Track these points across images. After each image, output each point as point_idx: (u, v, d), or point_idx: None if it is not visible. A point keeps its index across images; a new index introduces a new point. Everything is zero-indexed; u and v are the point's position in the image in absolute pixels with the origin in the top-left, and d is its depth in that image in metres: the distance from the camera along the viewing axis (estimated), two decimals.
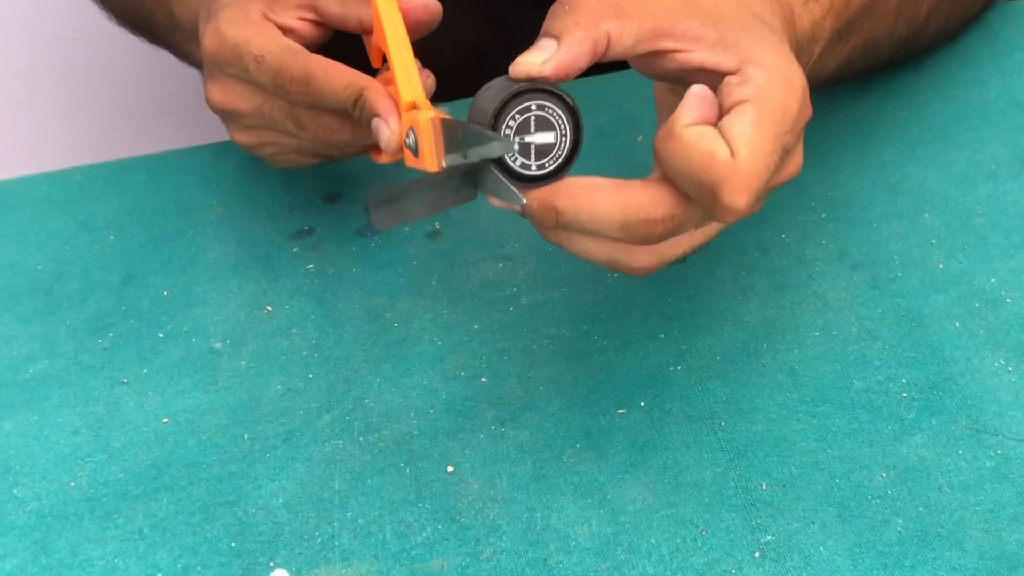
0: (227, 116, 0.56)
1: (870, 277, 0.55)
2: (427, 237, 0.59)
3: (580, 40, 0.44)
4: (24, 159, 0.63)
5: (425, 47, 0.78)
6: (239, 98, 0.54)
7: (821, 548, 0.46)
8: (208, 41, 0.54)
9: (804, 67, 0.50)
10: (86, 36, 0.87)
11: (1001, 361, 0.51)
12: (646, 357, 0.53)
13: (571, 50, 0.44)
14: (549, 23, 0.45)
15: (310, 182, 0.63)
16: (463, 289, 0.57)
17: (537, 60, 0.44)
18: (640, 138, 0.64)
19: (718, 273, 0.56)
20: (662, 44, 0.45)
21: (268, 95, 0.54)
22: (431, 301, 0.56)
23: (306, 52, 0.52)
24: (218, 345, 0.55)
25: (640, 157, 0.63)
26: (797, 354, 0.52)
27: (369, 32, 0.54)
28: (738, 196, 0.42)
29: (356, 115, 0.51)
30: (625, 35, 0.45)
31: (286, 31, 0.55)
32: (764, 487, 0.48)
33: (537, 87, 0.43)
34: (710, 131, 0.43)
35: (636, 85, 0.67)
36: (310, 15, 0.55)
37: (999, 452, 0.48)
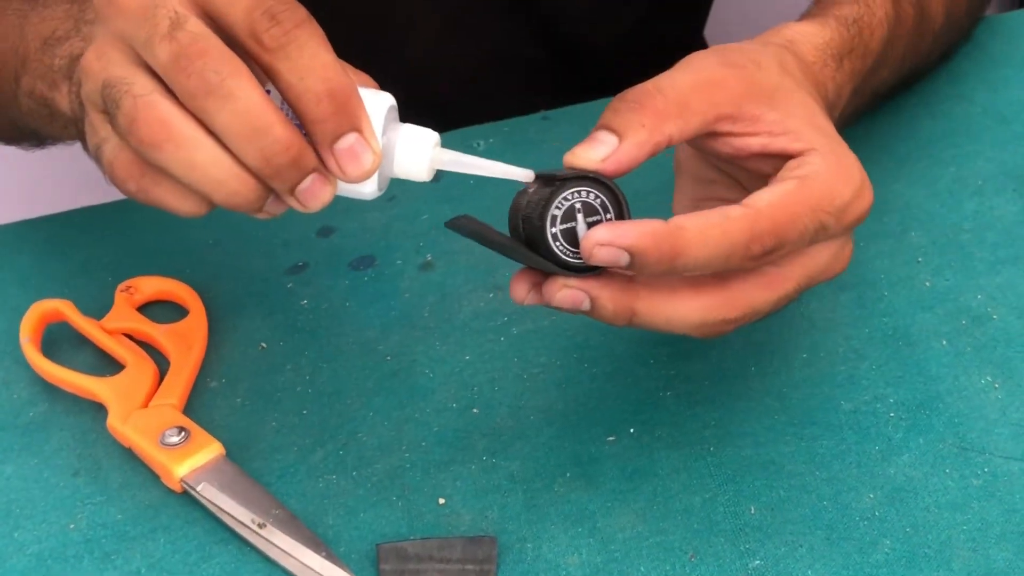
0: (86, 75, 0.43)
1: (857, 297, 0.56)
2: (419, 269, 0.60)
3: (642, 142, 0.44)
4: (25, 202, 0.64)
5: (417, 77, 0.79)
6: (109, 62, 0.42)
7: (809, 572, 0.46)
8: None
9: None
10: None
11: (988, 378, 0.52)
12: (635, 384, 0.53)
13: (631, 152, 0.44)
14: (611, 117, 0.44)
15: (303, 217, 0.64)
16: (454, 320, 0.57)
17: (596, 156, 0.43)
18: None
19: None
20: (721, 127, 0.45)
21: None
22: (423, 333, 0.57)
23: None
24: (214, 384, 0.56)
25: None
26: (785, 377, 0.53)
27: None
28: (748, 236, 0.42)
29: (264, 163, 0.41)
30: (688, 131, 0.45)
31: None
32: (753, 511, 0.48)
33: (586, 175, 0.43)
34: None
35: None
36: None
37: (986, 470, 0.48)
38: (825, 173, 0.44)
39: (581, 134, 0.66)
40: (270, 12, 0.40)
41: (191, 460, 0.50)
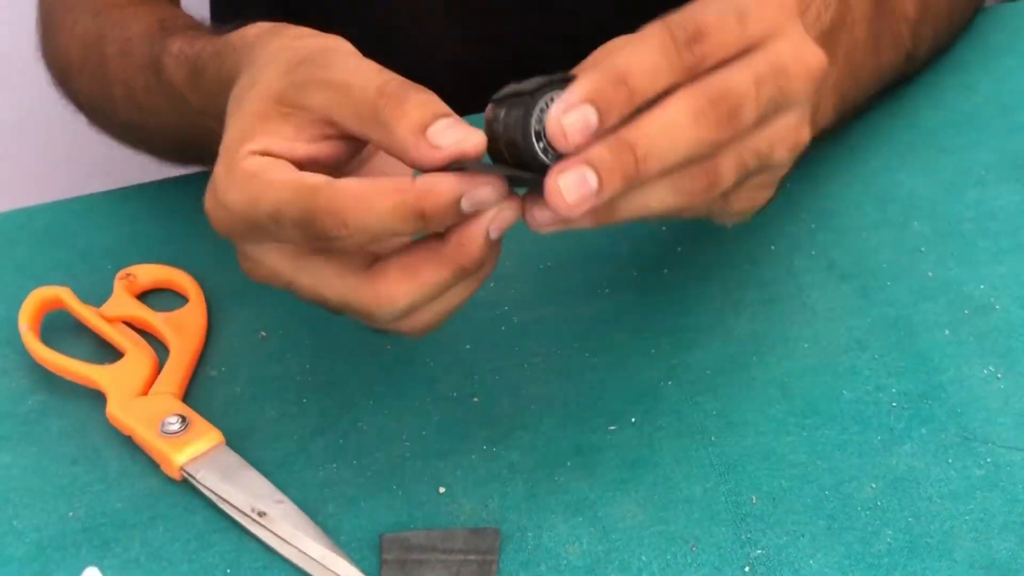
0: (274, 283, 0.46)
1: (859, 287, 0.55)
2: None
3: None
4: (24, 190, 0.63)
5: (428, 74, 0.78)
6: (278, 267, 0.45)
7: (811, 561, 0.46)
8: (213, 212, 0.45)
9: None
10: None
11: (990, 368, 0.51)
12: (637, 373, 0.53)
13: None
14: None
15: None
16: None
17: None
18: None
19: (708, 287, 0.57)
20: None
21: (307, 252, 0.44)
22: None
23: (331, 183, 0.42)
24: (213, 372, 0.55)
25: None
26: (787, 366, 0.53)
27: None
28: None
29: (419, 229, 0.42)
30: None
31: (304, 164, 0.44)
32: (754, 501, 0.48)
33: (552, 79, 0.42)
34: None
35: None
36: (330, 130, 0.44)
37: (989, 460, 0.48)
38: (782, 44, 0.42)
39: None
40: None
41: (191, 448, 0.50)
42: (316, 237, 0.42)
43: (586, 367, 0.54)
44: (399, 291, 0.43)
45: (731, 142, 0.42)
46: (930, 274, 0.56)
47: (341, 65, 0.44)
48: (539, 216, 0.42)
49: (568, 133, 0.40)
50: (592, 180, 0.40)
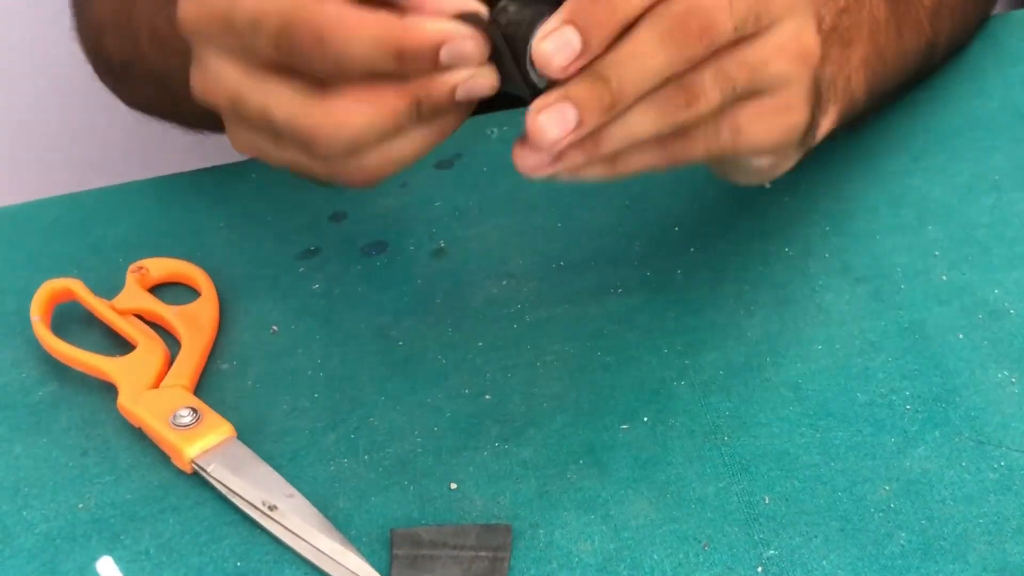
0: (218, 108, 0.45)
1: (873, 290, 0.55)
2: (432, 255, 0.60)
3: None
4: (36, 183, 0.63)
5: None
6: (231, 80, 0.43)
7: (824, 562, 0.45)
8: (188, 6, 0.44)
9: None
10: None
11: (1005, 372, 0.51)
12: (649, 372, 0.53)
13: None
14: None
15: (316, 202, 0.64)
16: (467, 307, 0.57)
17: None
18: None
19: (721, 287, 0.56)
20: None
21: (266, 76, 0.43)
22: (435, 319, 0.57)
23: (318, 1, 0.41)
24: (225, 366, 0.55)
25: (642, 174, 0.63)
26: (800, 368, 0.53)
27: None
28: None
29: (393, 68, 0.41)
30: None
31: None
32: (767, 501, 0.48)
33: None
34: None
35: None
36: None
37: (1003, 464, 0.48)
38: None
39: None
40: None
41: (202, 441, 0.50)
42: (288, 52, 0.41)
43: (598, 366, 0.54)
44: (353, 115, 0.41)
45: (708, 57, 0.42)
46: (944, 278, 0.55)
47: None
48: (526, 158, 0.42)
49: (553, 60, 0.40)
50: (571, 115, 0.40)
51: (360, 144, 0.42)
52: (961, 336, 0.53)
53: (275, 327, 0.57)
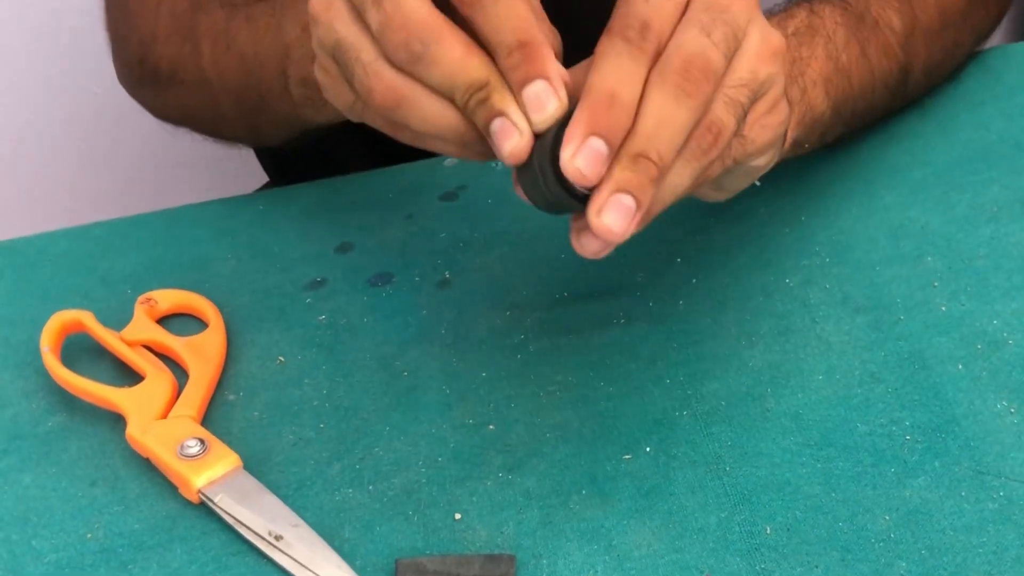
0: (315, 21, 0.46)
1: (873, 320, 0.56)
2: (436, 286, 0.60)
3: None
4: (45, 215, 0.64)
5: None
6: (336, 16, 0.45)
7: None
8: None
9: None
10: (110, 92, 0.89)
11: (1004, 403, 0.52)
12: (652, 402, 0.54)
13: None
14: None
15: (322, 234, 0.64)
16: (471, 337, 0.58)
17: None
18: None
19: (723, 318, 0.57)
20: None
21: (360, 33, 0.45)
22: (440, 349, 0.57)
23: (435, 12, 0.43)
24: (232, 397, 0.56)
25: None
26: (801, 398, 0.53)
27: None
28: None
29: (466, 110, 0.44)
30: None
31: None
32: (768, 531, 0.48)
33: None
34: None
35: None
36: None
37: (1002, 494, 0.48)
38: None
39: None
40: None
41: (209, 471, 0.51)
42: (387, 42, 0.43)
43: (601, 396, 0.54)
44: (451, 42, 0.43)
45: (716, 92, 0.44)
46: (943, 309, 0.56)
47: None
48: (590, 245, 0.44)
49: (586, 172, 0.42)
50: (629, 202, 0.42)
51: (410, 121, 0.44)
52: (960, 367, 0.53)
53: (282, 358, 0.58)
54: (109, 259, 0.64)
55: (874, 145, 0.64)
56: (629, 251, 0.61)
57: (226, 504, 0.50)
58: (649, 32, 0.43)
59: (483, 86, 0.43)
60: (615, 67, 0.42)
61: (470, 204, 0.65)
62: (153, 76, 0.67)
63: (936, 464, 0.50)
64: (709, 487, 0.50)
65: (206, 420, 0.54)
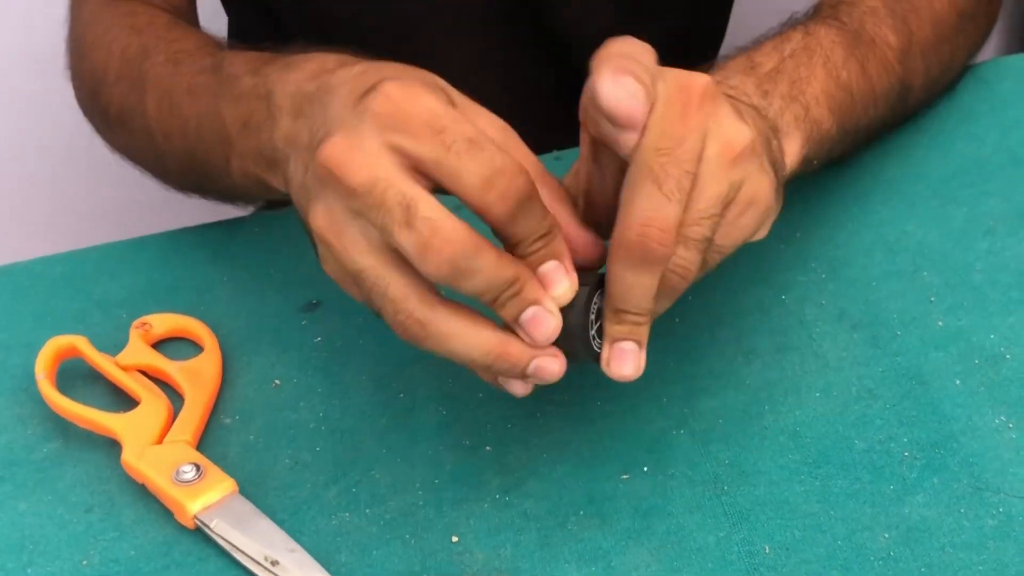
0: (326, 246, 0.46)
1: (870, 336, 0.56)
2: None
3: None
4: (40, 239, 0.64)
5: None
6: (352, 245, 0.45)
7: None
8: (396, 93, 0.44)
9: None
10: None
11: (1002, 418, 0.51)
12: (649, 421, 0.53)
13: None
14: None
15: (316, 256, 0.64)
16: None
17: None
18: None
19: (720, 335, 0.57)
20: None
21: (389, 263, 0.44)
22: (436, 370, 0.57)
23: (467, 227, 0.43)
24: (228, 420, 0.56)
25: None
26: (799, 415, 0.53)
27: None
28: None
29: (497, 305, 0.45)
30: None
31: None
32: (767, 551, 0.48)
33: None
34: None
35: None
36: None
37: (1001, 510, 0.48)
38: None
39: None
40: (498, 191, 0.43)
41: (204, 497, 0.51)
42: (498, 198, 0.43)
43: (598, 415, 0.54)
44: (449, 332, 0.45)
45: (677, 237, 0.46)
46: (940, 324, 0.56)
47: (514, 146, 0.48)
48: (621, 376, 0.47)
49: (619, 364, 0.47)
50: (630, 347, 0.47)
51: (439, 350, 0.45)
52: (958, 382, 0.53)
53: (277, 381, 0.58)
54: (104, 283, 0.64)
55: (869, 160, 0.64)
56: None
57: (222, 529, 0.49)
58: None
59: (515, 282, 0.44)
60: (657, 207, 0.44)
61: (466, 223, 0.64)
62: (103, 115, 0.67)
63: (935, 481, 0.50)
64: (707, 506, 0.50)
65: (202, 444, 0.54)
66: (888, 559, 0.47)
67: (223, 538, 0.49)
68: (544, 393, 0.55)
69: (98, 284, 0.64)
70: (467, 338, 0.45)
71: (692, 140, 0.44)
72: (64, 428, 0.56)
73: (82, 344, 0.58)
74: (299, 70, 0.51)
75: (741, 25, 0.98)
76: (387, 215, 0.43)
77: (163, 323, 0.60)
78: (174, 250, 0.66)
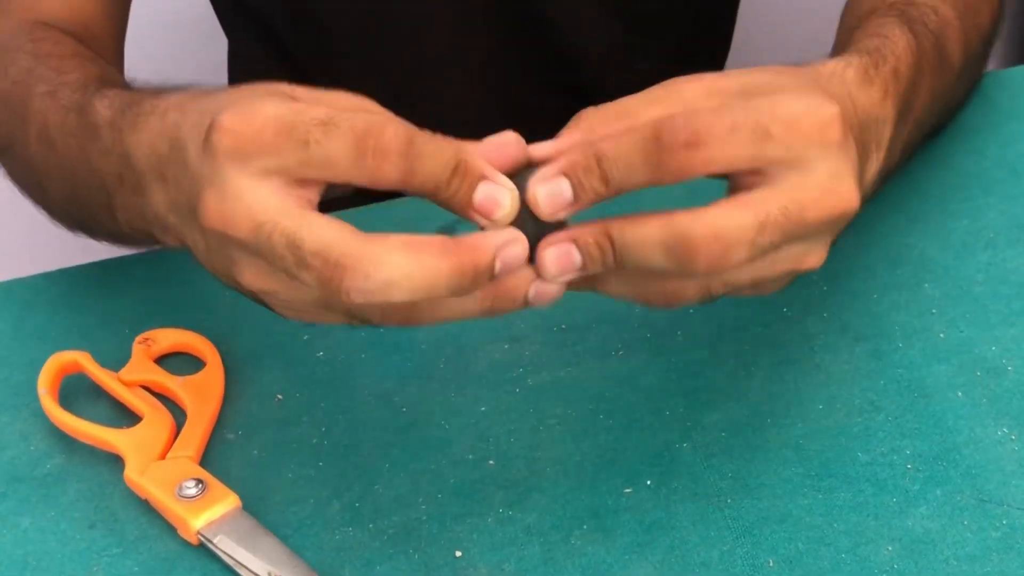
0: (271, 296, 0.45)
1: (872, 349, 0.56)
2: None
3: (574, 140, 0.44)
4: (42, 255, 0.64)
5: (433, 126, 0.79)
6: (259, 205, 0.42)
7: None
8: (232, 122, 0.41)
9: (876, 154, 0.49)
10: None
11: (1004, 430, 0.52)
12: (652, 435, 0.53)
13: (561, 145, 0.44)
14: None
15: None
16: (470, 371, 0.57)
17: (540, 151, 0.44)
18: None
19: (722, 349, 0.57)
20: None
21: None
22: (439, 385, 0.57)
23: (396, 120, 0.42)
24: (231, 436, 0.56)
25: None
26: (801, 428, 0.53)
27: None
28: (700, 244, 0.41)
29: (450, 192, 0.42)
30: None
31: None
32: (771, 564, 0.48)
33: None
34: None
35: None
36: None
37: (1004, 522, 0.48)
38: (772, 91, 0.43)
39: None
40: (374, 151, 0.41)
41: (208, 512, 0.51)
42: (372, 151, 0.41)
43: (601, 429, 0.54)
44: (393, 259, 0.40)
45: (704, 277, 0.44)
46: (942, 336, 0.56)
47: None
48: (534, 289, 0.44)
49: (541, 203, 0.43)
50: (576, 257, 0.43)
51: (391, 287, 0.41)
52: (960, 394, 0.53)
53: (280, 396, 0.58)
54: (107, 299, 0.64)
55: None
56: None
57: (225, 545, 0.49)
58: (690, 151, 0.41)
59: (456, 166, 0.42)
60: (622, 146, 0.42)
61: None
62: None
63: (938, 493, 0.50)
64: (711, 520, 0.50)
65: (205, 460, 0.54)
66: (892, 572, 0.47)
67: (227, 554, 0.49)
68: (546, 407, 0.55)
69: (101, 300, 0.64)
70: (455, 304, 0.43)
71: (816, 231, 0.43)
72: (67, 444, 0.56)
73: (85, 360, 0.58)
74: (147, 128, 0.48)
75: (746, 33, 0.98)
76: (281, 261, 0.41)
77: (166, 338, 0.60)
78: (176, 266, 0.66)
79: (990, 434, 0.51)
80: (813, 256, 0.45)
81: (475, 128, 0.85)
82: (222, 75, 0.97)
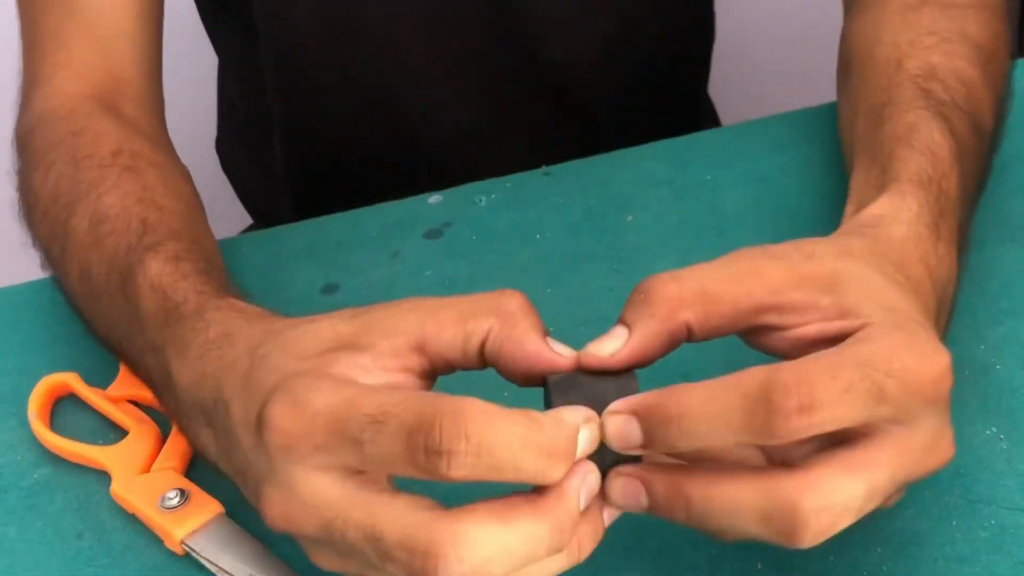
0: (301, 535, 0.41)
1: None
2: None
3: (653, 333, 0.42)
4: (31, 264, 0.64)
5: (419, 133, 0.79)
6: (329, 495, 0.40)
7: None
8: (283, 419, 0.40)
9: (942, 316, 0.48)
10: None
11: (992, 429, 0.51)
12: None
13: (642, 342, 0.42)
14: (625, 310, 0.43)
15: (308, 275, 0.64)
16: (458, 375, 0.57)
17: (607, 350, 0.42)
18: (631, 218, 0.65)
19: (711, 354, 0.56)
20: (766, 320, 0.43)
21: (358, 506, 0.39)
22: (435, 387, 0.57)
23: (450, 397, 0.39)
24: None
25: (631, 238, 0.64)
26: None
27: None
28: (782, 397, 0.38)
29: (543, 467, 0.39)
30: (713, 320, 0.42)
31: None
32: (760, 567, 0.48)
33: (607, 372, 0.43)
34: None
35: (626, 164, 0.69)
36: (416, 361, 0.43)
37: (993, 522, 0.48)
38: (881, 337, 0.40)
39: (582, 190, 0.67)
40: (425, 450, 0.38)
41: (190, 521, 0.50)
42: (424, 450, 0.38)
43: None
44: (484, 534, 0.38)
45: None
46: None
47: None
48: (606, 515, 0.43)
49: (610, 436, 0.41)
50: (643, 499, 0.42)
51: (487, 566, 0.38)
52: None
53: None
54: None
55: None
56: (616, 283, 0.61)
57: (209, 553, 0.49)
58: (802, 416, 0.38)
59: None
60: (717, 403, 0.39)
61: (455, 242, 0.65)
62: (32, 240, 0.62)
63: (926, 494, 0.49)
64: None
65: (190, 470, 0.54)
66: (881, 573, 0.47)
67: (210, 561, 0.49)
68: (537, 410, 0.55)
69: None
70: (552, 563, 0.40)
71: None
72: (54, 455, 0.56)
73: (74, 381, 0.58)
74: (188, 363, 0.47)
75: (729, 32, 0.98)
76: (361, 557, 0.39)
77: None
78: None
79: (979, 433, 0.51)
80: (896, 496, 0.43)
81: (452, 133, 0.85)
82: (212, 80, 0.97)
